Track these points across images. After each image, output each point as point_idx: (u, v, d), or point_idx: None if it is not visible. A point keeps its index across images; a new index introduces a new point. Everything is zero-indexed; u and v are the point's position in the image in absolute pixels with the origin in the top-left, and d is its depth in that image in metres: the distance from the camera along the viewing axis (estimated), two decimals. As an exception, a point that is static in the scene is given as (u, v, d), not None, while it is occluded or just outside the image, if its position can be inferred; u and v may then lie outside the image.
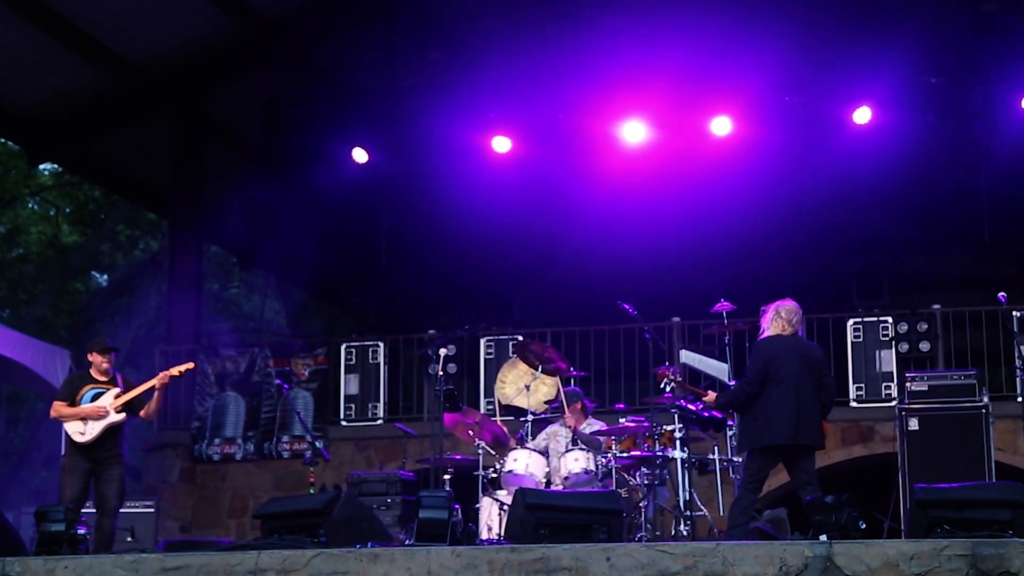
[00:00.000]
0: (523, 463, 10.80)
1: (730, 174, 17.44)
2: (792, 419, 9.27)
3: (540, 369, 11.82)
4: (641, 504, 10.54)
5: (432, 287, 19.87)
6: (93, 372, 10.77)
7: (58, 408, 10.69)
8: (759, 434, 9.40)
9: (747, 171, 17.50)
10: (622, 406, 12.32)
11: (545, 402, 12.25)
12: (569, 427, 11.38)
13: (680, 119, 15.93)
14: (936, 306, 15.19)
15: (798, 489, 9.44)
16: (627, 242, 19.51)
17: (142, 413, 10.81)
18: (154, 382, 10.75)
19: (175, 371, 10.91)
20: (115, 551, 10.18)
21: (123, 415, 10.60)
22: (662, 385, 10.52)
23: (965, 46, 15.55)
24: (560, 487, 10.71)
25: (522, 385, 12.14)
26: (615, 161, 16.51)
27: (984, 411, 11.76)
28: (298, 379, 16.26)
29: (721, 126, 15.74)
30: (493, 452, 11.33)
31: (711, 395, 10.31)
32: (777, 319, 9.58)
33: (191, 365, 11.39)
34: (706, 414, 10.78)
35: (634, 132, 15.96)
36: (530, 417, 11.51)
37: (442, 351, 11.77)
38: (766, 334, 9.60)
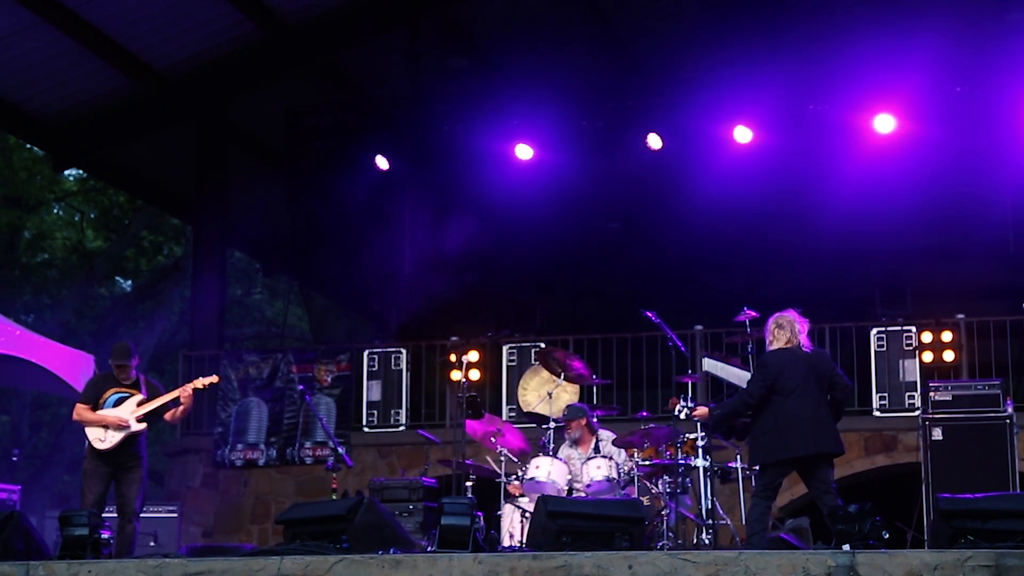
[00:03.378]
0: (545, 470, 10.79)
1: (753, 182, 17.40)
2: (810, 430, 9.23)
3: (562, 376, 11.82)
4: (663, 512, 10.52)
5: (455, 294, 19.87)
6: (116, 374, 10.79)
7: (80, 412, 10.70)
8: (774, 448, 9.31)
9: (770, 179, 17.45)
10: (645, 413, 12.30)
11: (563, 412, 12.23)
12: (579, 444, 11.37)
13: (704, 127, 15.92)
14: (960, 316, 15.13)
15: (816, 499, 9.41)
16: (650, 249, 19.50)
17: (167, 416, 10.84)
18: (177, 393, 10.75)
19: (199, 383, 10.91)
20: (138, 556, 10.21)
21: (144, 425, 10.60)
22: (675, 411, 10.50)
23: (991, 55, 15.49)
24: (582, 495, 10.70)
25: (544, 392, 12.15)
26: (638, 169, 16.50)
27: (1008, 421, 11.69)
28: (321, 385, 16.29)
29: (743, 134, 15.73)
30: (515, 459, 11.32)
31: (703, 409, 10.29)
32: (780, 331, 9.51)
33: (215, 379, 11.35)
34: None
35: (655, 140, 15.95)
36: (552, 424, 11.49)
37: (465, 358, 11.77)
38: (771, 347, 9.56)
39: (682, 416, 10.46)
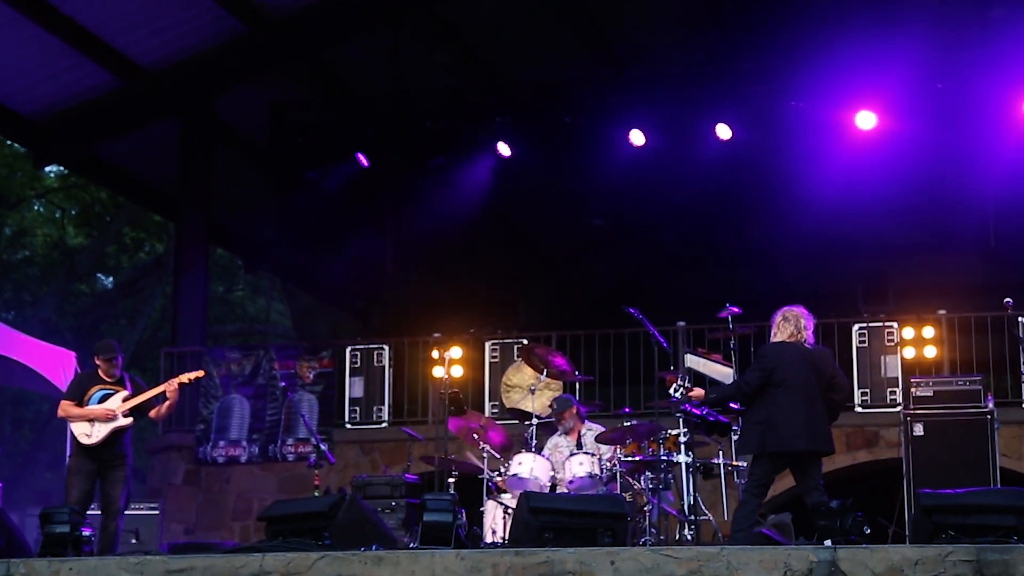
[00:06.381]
0: (528, 467, 10.80)
1: (735, 178, 17.44)
2: (804, 426, 9.22)
3: (545, 373, 11.83)
4: (646, 508, 10.54)
5: (437, 290, 19.88)
6: (101, 372, 10.78)
7: (66, 408, 10.70)
8: (767, 440, 9.30)
9: (752, 175, 17.50)
10: (628, 410, 12.32)
11: (550, 406, 12.26)
12: (569, 434, 11.40)
13: (687, 123, 15.93)
14: (942, 311, 15.16)
15: (804, 494, 9.42)
16: (633, 246, 19.54)
17: (152, 413, 10.86)
18: (163, 388, 10.77)
19: (185, 378, 10.92)
20: (119, 553, 10.19)
21: (131, 419, 10.62)
22: (671, 390, 10.52)
23: (972, 51, 15.54)
24: (565, 491, 10.71)
25: (527, 389, 12.15)
26: (621, 165, 16.52)
27: (989, 417, 11.73)
28: (303, 382, 16.26)
29: (724, 131, 15.75)
30: (498, 455, 11.33)
31: (699, 391, 10.31)
32: (785, 324, 9.52)
33: (201, 373, 11.39)
34: (711, 418, 10.78)
35: (638, 136, 15.98)
36: (535, 421, 11.50)
37: (447, 354, 11.76)
38: (774, 339, 9.57)
39: (677, 395, 10.46)
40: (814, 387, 9.33)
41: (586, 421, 11.61)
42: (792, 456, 9.35)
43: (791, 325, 9.49)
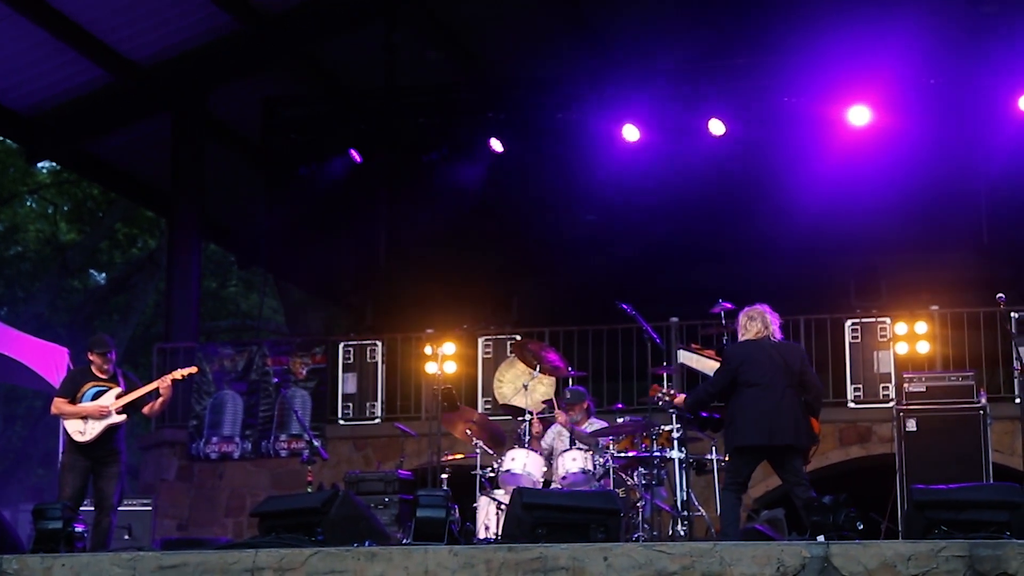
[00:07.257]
0: (521, 462, 10.80)
1: (728, 174, 17.44)
2: (765, 421, 9.23)
3: (538, 368, 11.83)
4: (639, 504, 10.54)
5: (430, 286, 19.86)
6: (94, 369, 10.76)
7: (59, 405, 10.68)
8: (732, 436, 9.41)
9: (745, 171, 17.50)
10: (621, 405, 12.32)
11: (543, 401, 12.26)
12: (564, 425, 11.41)
13: (679, 119, 15.93)
14: (934, 307, 15.18)
15: (789, 489, 9.44)
16: (626, 242, 19.52)
17: (145, 410, 10.86)
18: (156, 384, 10.76)
19: (178, 374, 10.92)
20: (112, 549, 10.17)
21: (124, 416, 10.60)
22: (654, 398, 10.55)
23: (964, 47, 15.55)
24: (558, 487, 10.71)
25: (520, 384, 12.15)
26: (613, 161, 16.53)
27: (982, 412, 11.73)
28: (296, 378, 16.25)
29: (717, 126, 15.76)
30: (491, 451, 11.33)
31: (680, 397, 10.36)
32: (751, 323, 9.55)
33: (194, 369, 11.39)
34: (704, 414, 10.79)
35: (631, 132, 15.99)
36: (528, 416, 11.50)
37: (440, 350, 11.75)
38: (742, 338, 9.59)
39: (660, 404, 10.51)
40: (780, 382, 9.32)
41: (592, 418, 11.61)
42: (756, 451, 9.36)
43: (758, 322, 9.52)
